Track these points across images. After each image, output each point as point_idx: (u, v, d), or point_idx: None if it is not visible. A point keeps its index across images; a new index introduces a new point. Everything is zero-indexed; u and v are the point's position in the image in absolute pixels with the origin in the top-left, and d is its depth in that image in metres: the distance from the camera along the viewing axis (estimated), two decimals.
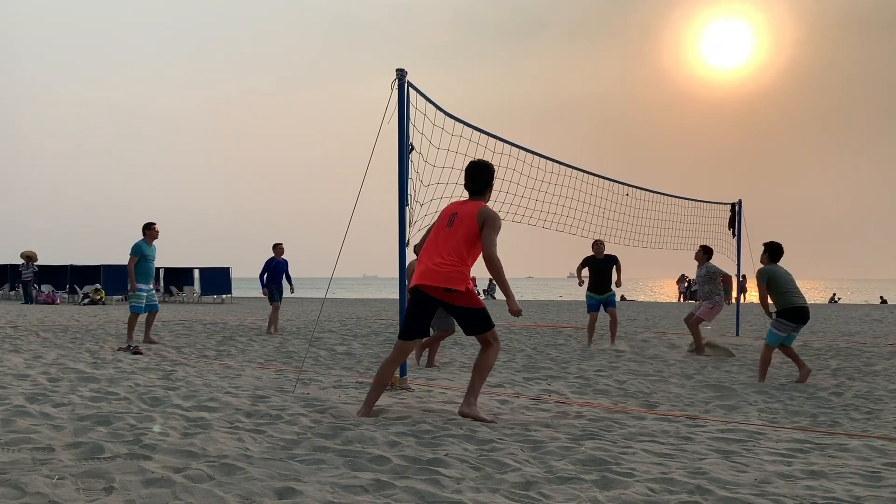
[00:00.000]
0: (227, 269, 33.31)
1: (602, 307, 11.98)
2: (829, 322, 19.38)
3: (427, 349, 9.08)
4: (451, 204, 5.46)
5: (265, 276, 13.91)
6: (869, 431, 5.52)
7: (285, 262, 14.04)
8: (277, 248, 13.89)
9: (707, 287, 11.12)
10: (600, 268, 11.83)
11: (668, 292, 43.22)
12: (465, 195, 5.57)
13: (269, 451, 4.30)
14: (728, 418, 5.95)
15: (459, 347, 11.21)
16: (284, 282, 14.16)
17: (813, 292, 54.68)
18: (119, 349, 10.13)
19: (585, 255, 11.95)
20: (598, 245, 11.69)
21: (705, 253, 11.42)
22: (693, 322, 10.99)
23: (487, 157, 7.95)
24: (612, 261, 11.80)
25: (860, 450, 4.73)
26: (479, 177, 5.38)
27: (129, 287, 11.31)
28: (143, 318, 11.57)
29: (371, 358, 9.86)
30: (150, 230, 11.28)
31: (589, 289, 12.00)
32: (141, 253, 11.15)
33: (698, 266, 11.40)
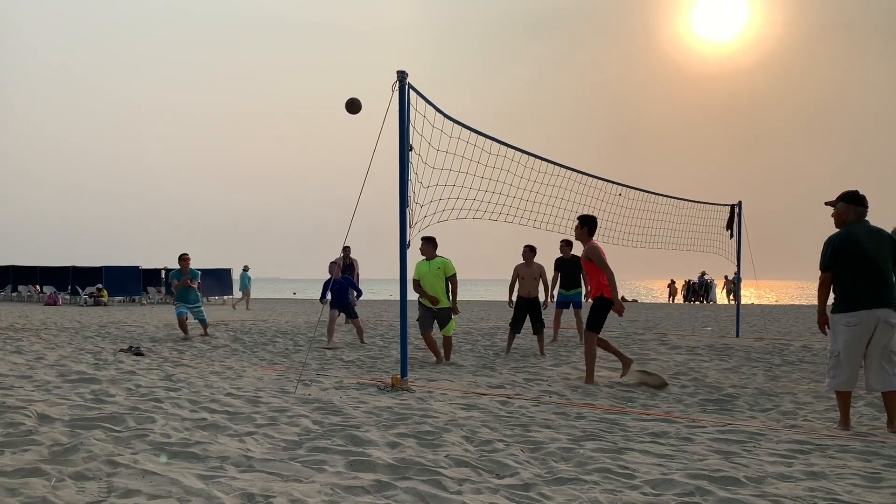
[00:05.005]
0: (228, 270, 33.46)
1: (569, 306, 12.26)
2: None
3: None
4: None
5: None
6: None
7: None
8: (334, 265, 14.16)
9: None
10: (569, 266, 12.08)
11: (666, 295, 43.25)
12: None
13: (271, 451, 4.31)
14: (728, 419, 5.95)
15: (456, 350, 11.20)
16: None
17: (814, 291, 54.66)
18: (120, 350, 10.15)
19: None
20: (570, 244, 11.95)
21: None
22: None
23: (484, 159, 7.97)
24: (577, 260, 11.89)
25: (860, 450, 4.73)
26: None
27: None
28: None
29: (371, 359, 9.86)
30: (182, 261, 12.83)
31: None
32: (178, 279, 12.86)
33: None
